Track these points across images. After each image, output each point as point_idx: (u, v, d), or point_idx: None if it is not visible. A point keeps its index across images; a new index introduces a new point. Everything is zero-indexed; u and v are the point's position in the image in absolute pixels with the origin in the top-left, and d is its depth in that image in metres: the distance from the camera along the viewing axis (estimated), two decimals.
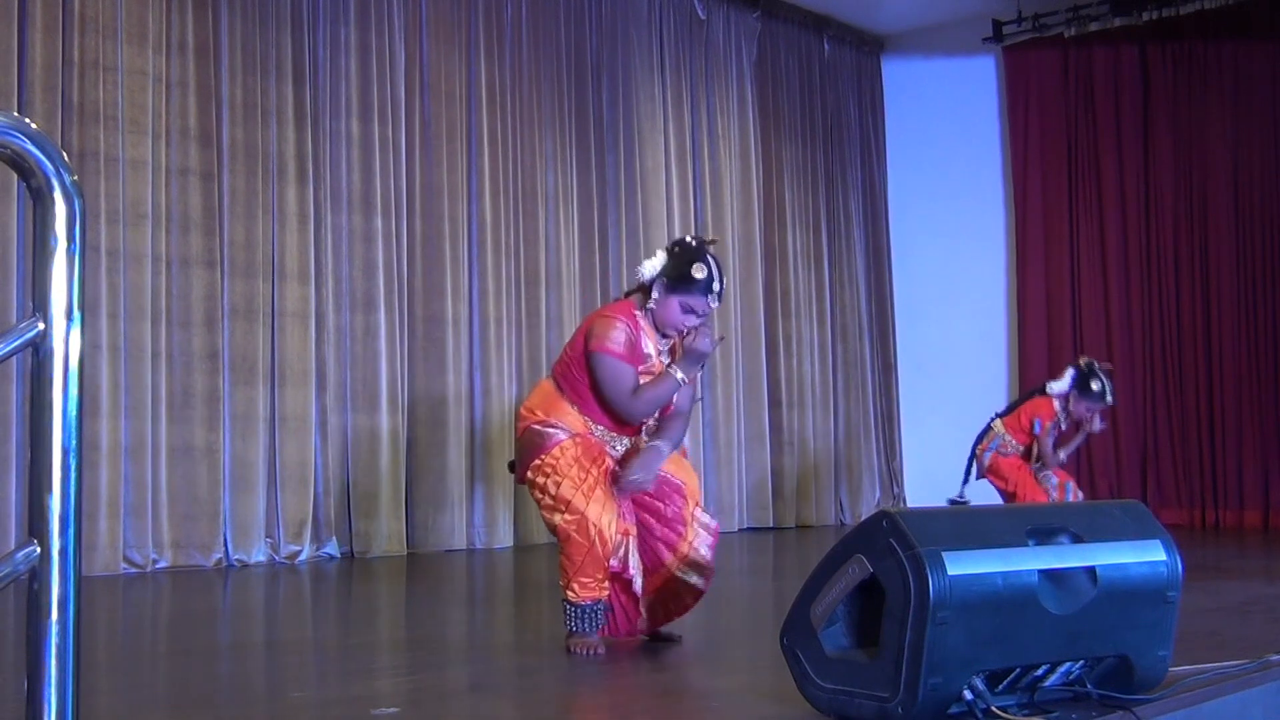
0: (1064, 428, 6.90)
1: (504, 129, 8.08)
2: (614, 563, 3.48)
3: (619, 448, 3.66)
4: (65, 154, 1.48)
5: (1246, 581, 5.54)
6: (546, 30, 8.42)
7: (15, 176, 1.48)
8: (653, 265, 3.61)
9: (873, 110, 11.02)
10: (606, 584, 3.52)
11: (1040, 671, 2.50)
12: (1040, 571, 2.43)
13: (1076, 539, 2.52)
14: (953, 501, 6.91)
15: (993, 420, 7.11)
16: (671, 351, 3.68)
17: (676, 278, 3.54)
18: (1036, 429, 6.77)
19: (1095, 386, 6.76)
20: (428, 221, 7.65)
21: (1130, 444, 9.67)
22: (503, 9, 8.14)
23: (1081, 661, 2.54)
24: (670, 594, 3.66)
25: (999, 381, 10.36)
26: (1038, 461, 6.89)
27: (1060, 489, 6.81)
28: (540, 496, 3.56)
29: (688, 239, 3.68)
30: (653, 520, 3.65)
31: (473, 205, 7.88)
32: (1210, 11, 9.28)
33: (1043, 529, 2.52)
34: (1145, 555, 2.58)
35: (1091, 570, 2.49)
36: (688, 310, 3.55)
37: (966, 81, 10.65)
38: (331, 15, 7.30)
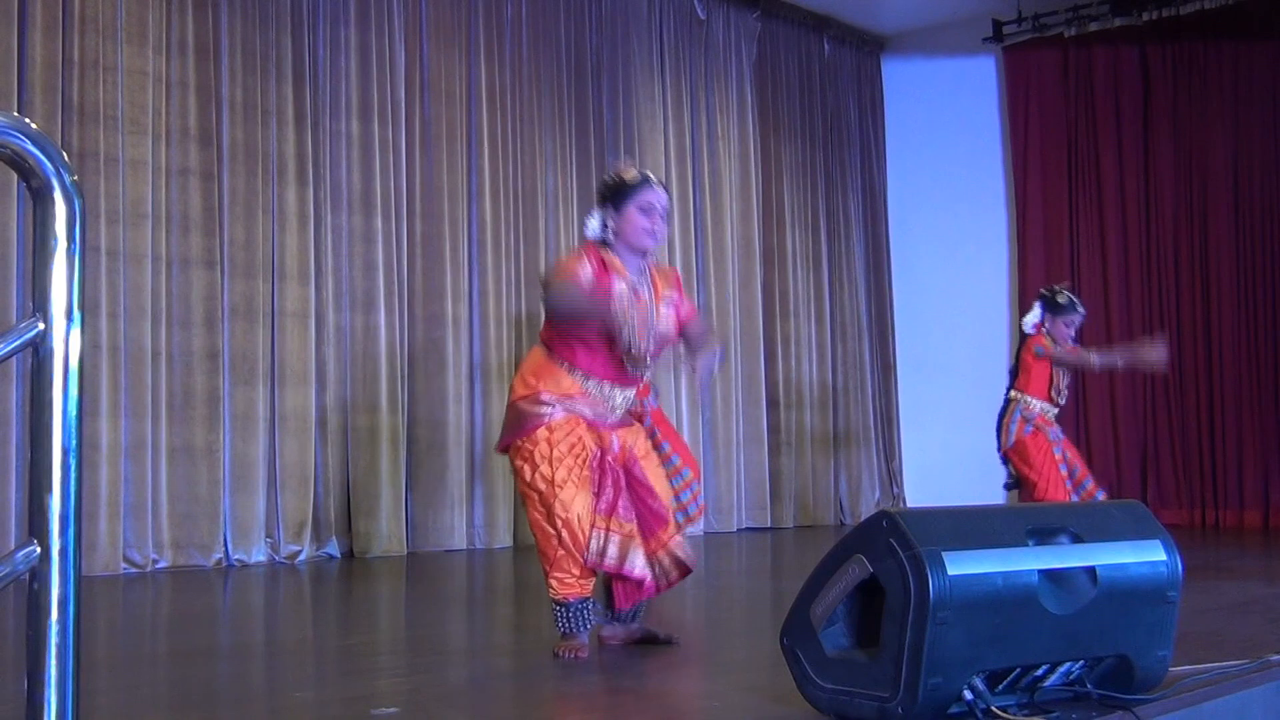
0: (1046, 354, 6.82)
1: (504, 129, 8.08)
2: (609, 562, 3.44)
3: (619, 401, 3.60)
4: (65, 154, 1.48)
5: (1246, 581, 5.54)
6: (546, 30, 8.42)
7: (15, 176, 1.48)
8: (594, 216, 3.63)
9: (873, 110, 11.02)
10: (588, 582, 3.49)
11: (1040, 671, 2.50)
12: (1040, 571, 2.43)
13: (1076, 539, 2.52)
14: (1007, 486, 6.92)
15: (1008, 392, 7.04)
16: (653, 285, 3.62)
17: (617, 192, 3.57)
18: (1041, 352, 6.73)
19: (1062, 300, 6.75)
20: (428, 222, 7.65)
21: (1130, 444, 9.67)
22: (503, 9, 8.15)
23: (1081, 661, 2.54)
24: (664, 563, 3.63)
25: (999, 382, 10.32)
26: (1059, 396, 6.77)
27: (1089, 496, 6.75)
28: (516, 479, 3.57)
29: (604, 175, 3.73)
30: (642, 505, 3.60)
31: (473, 206, 7.88)
32: (1210, 11, 9.28)
33: (1043, 529, 2.52)
34: (1145, 555, 2.58)
35: (1091, 570, 2.49)
36: (645, 209, 3.54)
37: (966, 81, 10.65)
38: (331, 15, 7.30)
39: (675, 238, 9.13)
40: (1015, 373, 7.01)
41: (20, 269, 5.89)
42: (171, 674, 3.61)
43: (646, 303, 3.58)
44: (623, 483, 3.54)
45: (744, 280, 9.64)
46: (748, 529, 9.38)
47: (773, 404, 9.83)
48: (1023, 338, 6.98)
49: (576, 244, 3.85)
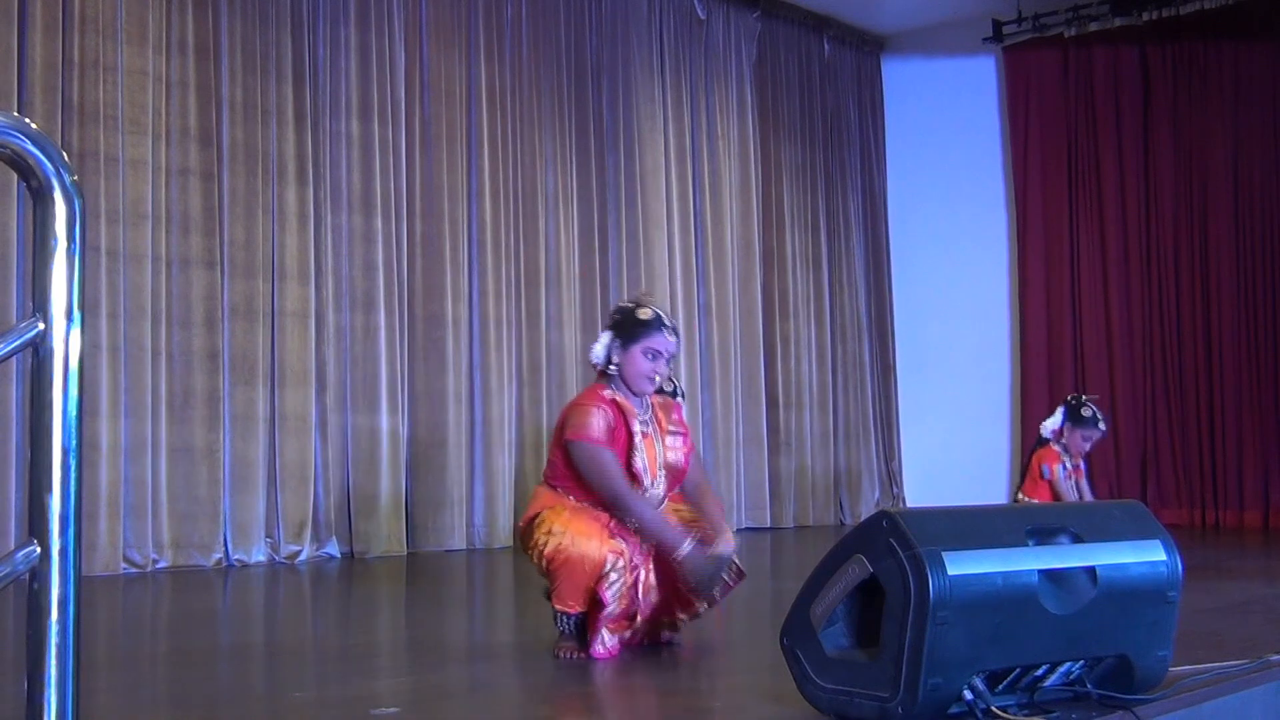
0: (1069, 466, 6.85)
1: (504, 130, 8.08)
2: (606, 596, 3.37)
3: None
4: (65, 154, 1.48)
5: (1246, 581, 5.54)
6: (546, 31, 8.42)
7: (15, 176, 1.48)
8: (601, 341, 3.59)
9: (873, 110, 11.02)
10: (585, 603, 3.46)
11: (1040, 671, 2.50)
12: (1040, 571, 2.42)
13: (1076, 539, 2.52)
14: None
15: (1017, 492, 7.06)
16: (657, 422, 3.59)
17: (628, 331, 3.53)
18: (1046, 474, 6.74)
19: (1086, 413, 6.75)
20: (428, 222, 7.65)
21: (1130, 444, 9.66)
22: (503, 9, 8.15)
23: (1081, 661, 2.53)
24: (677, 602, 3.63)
25: (999, 383, 10.37)
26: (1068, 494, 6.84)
27: None
28: (538, 562, 3.46)
29: (622, 303, 3.69)
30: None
31: (473, 206, 7.88)
32: (1210, 11, 9.28)
33: (1043, 529, 2.52)
34: (1145, 555, 2.58)
35: (1091, 570, 2.48)
36: (650, 354, 3.51)
37: (966, 81, 10.65)
38: (331, 15, 7.30)
39: (675, 238, 9.13)
40: (1024, 474, 7.00)
41: (20, 269, 5.89)
42: (171, 674, 3.61)
43: (653, 438, 3.56)
44: (639, 589, 3.48)
45: (744, 281, 9.64)
46: (747, 529, 9.38)
47: (772, 404, 9.82)
48: (1038, 440, 6.96)
49: (618, 293, 3.83)
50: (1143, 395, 9.67)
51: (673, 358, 3.59)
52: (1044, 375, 10.05)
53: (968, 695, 2.37)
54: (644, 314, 3.54)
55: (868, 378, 10.66)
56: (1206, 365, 9.44)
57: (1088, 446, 6.79)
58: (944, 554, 2.29)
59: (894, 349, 10.97)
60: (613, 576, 3.39)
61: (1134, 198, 9.80)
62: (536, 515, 3.50)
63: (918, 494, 10.60)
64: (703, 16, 9.55)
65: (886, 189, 11.06)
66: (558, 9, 8.50)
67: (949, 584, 2.27)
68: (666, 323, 3.56)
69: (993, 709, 2.39)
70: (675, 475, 3.59)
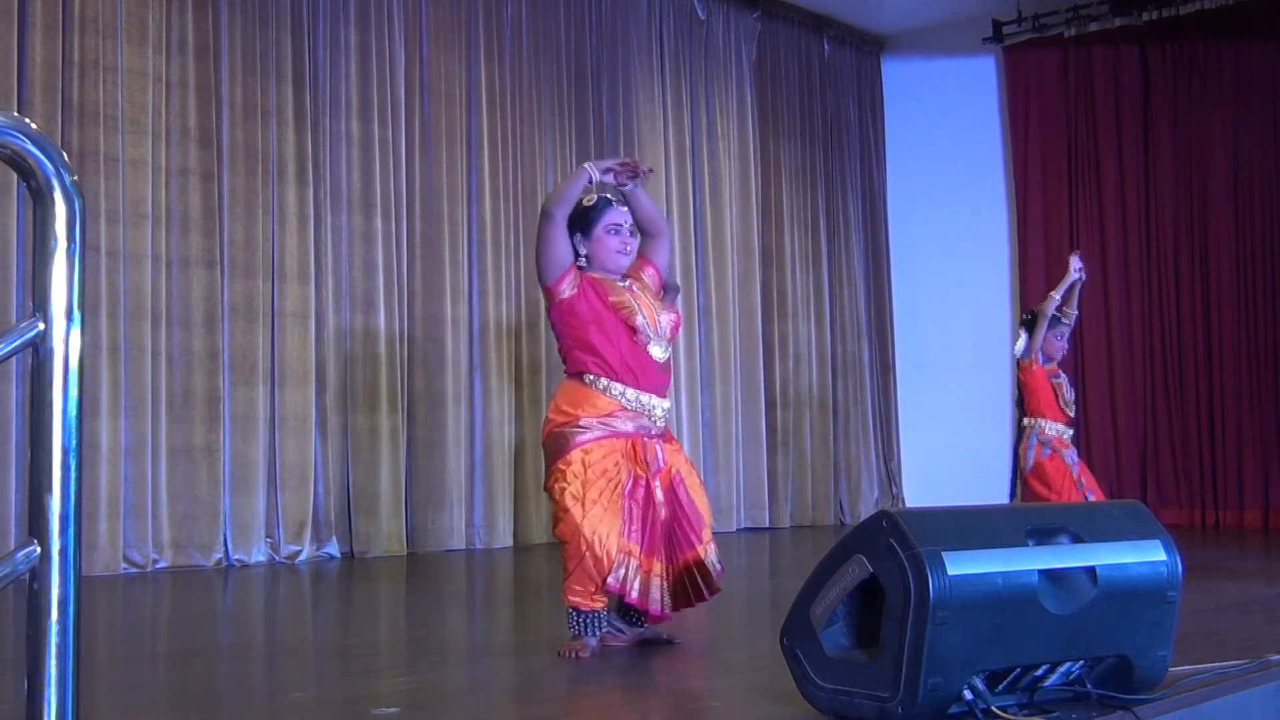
0: (1046, 363, 6.81)
1: (504, 130, 8.08)
2: (632, 595, 3.44)
3: (659, 413, 3.62)
4: (65, 154, 1.48)
5: (1246, 581, 5.54)
6: (546, 31, 8.42)
7: (15, 176, 1.48)
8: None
9: (872, 110, 11.02)
10: (602, 598, 3.50)
11: (1040, 671, 2.50)
12: (1040, 571, 2.43)
13: (1076, 539, 2.52)
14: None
15: (1021, 420, 6.99)
16: (645, 290, 3.71)
17: (584, 223, 3.65)
18: (1043, 361, 6.69)
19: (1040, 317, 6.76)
20: (428, 222, 7.65)
21: (1130, 444, 9.67)
22: (503, 10, 8.15)
23: (1081, 661, 2.54)
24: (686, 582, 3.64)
25: (999, 383, 10.35)
26: (1068, 408, 6.76)
27: None
28: (552, 504, 3.58)
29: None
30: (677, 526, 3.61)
31: (473, 206, 7.88)
32: (1210, 11, 9.28)
33: (1043, 529, 2.52)
34: (1145, 555, 2.58)
35: (1091, 570, 2.48)
36: (612, 229, 3.66)
37: (966, 81, 10.65)
38: (331, 16, 7.30)
39: (675, 238, 9.12)
40: (1021, 401, 6.97)
41: (20, 269, 5.89)
42: (171, 674, 3.61)
43: (644, 297, 3.68)
44: (658, 512, 3.54)
45: (743, 280, 9.64)
46: (746, 529, 9.38)
47: (771, 404, 9.82)
48: (1017, 367, 6.95)
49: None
50: (1143, 395, 9.67)
51: (633, 229, 3.71)
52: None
53: (968, 695, 2.37)
54: (589, 200, 3.67)
55: (867, 377, 10.66)
56: (1206, 365, 9.44)
57: (1064, 343, 6.79)
58: (944, 554, 2.29)
59: (893, 349, 10.97)
60: (622, 572, 3.44)
61: (1134, 198, 9.80)
62: (555, 466, 3.53)
63: (917, 494, 10.60)
64: (703, 16, 9.55)
65: (886, 189, 11.06)
66: (558, 9, 8.50)
67: (949, 584, 2.27)
68: (612, 197, 3.70)
69: (993, 709, 2.39)
70: (674, 327, 3.71)
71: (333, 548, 7.04)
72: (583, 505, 3.45)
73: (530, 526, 7.90)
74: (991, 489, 9.65)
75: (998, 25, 10.18)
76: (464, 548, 7.55)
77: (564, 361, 3.72)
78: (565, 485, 3.49)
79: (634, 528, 3.49)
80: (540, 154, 8.29)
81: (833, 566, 2.47)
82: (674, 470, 3.62)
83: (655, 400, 3.63)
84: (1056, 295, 6.69)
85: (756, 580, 6.58)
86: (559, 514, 3.52)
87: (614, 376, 3.58)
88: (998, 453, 10.16)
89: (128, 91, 6.41)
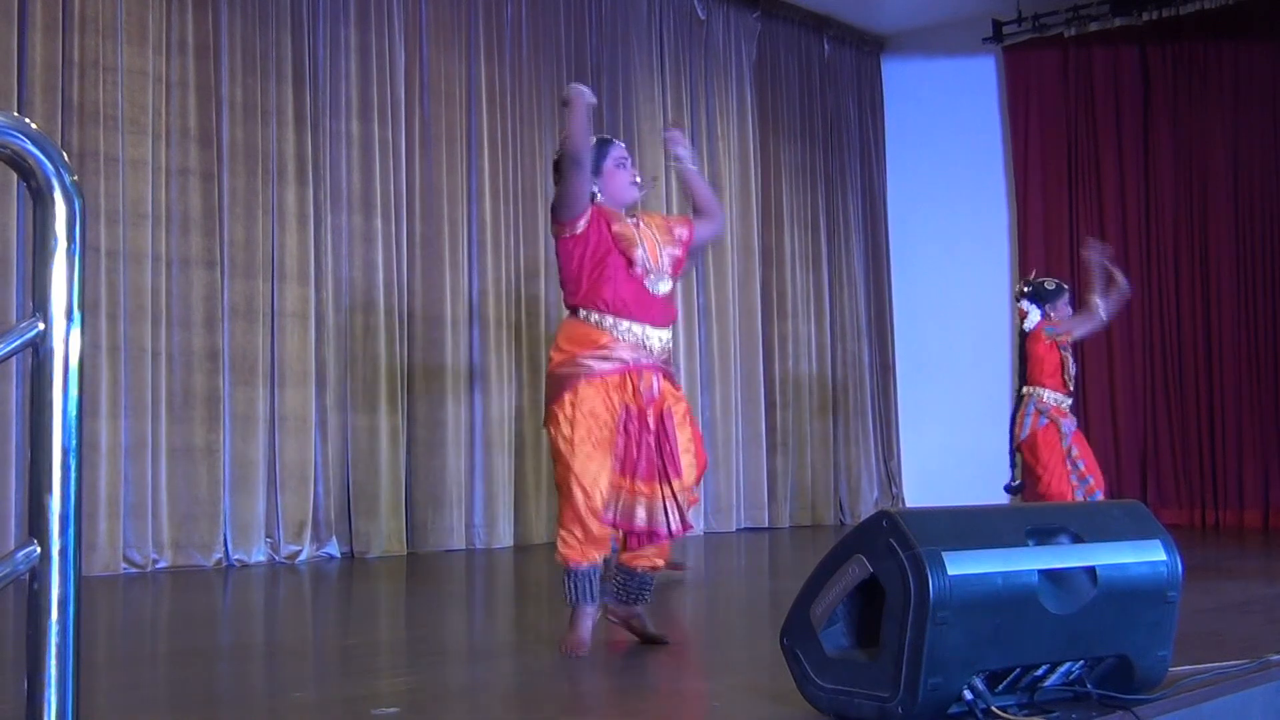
0: (1060, 333, 6.76)
1: (504, 130, 8.08)
2: (639, 524, 3.48)
3: (658, 344, 3.66)
4: (65, 154, 1.48)
5: (1246, 581, 5.54)
6: (546, 31, 8.42)
7: (15, 176, 1.48)
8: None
9: (872, 110, 11.02)
10: (594, 551, 3.52)
11: (1040, 671, 2.50)
12: (1040, 571, 2.43)
13: (1076, 539, 2.52)
14: (1010, 489, 6.85)
15: (1021, 389, 6.92)
16: (652, 225, 3.80)
17: (591, 163, 3.72)
18: (1051, 332, 6.64)
19: (1050, 285, 6.73)
20: (428, 222, 7.65)
21: (1130, 444, 9.66)
22: (503, 9, 8.15)
23: (1081, 661, 2.54)
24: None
25: (998, 383, 10.34)
26: (1071, 381, 6.72)
27: (1089, 494, 6.69)
28: (550, 443, 3.66)
29: (555, 154, 3.85)
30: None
31: (473, 206, 7.88)
32: (1210, 11, 9.28)
33: (1043, 529, 2.52)
34: (1145, 555, 2.58)
35: (1091, 570, 2.48)
36: (620, 163, 3.78)
37: (966, 81, 10.65)
38: (331, 16, 7.30)
39: None
40: (1023, 371, 6.93)
41: (20, 269, 5.89)
42: (171, 674, 3.61)
43: (649, 232, 3.75)
44: (650, 440, 3.58)
45: (743, 280, 9.64)
46: (746, 529, 9.38)
47: (771, 404, 9.82)
48: (1023, 337, 6.90)
49: None
50: (1143, 395, 9.67)
51: (635, 160, 3.89)
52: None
53: (968, 695, 2.37)
54: (591, 140, 3.76)
55: (867, 377, 10.66)
56: (1206, 365, 9.44)
57: (1071, 310, 6.80)
58: (944, 554, 2.29)
59: (893, 349, 10.97)
60: (623, 505, 3.50)
61: (1134, 198, 9.80)
62: (552, 408, 3.62)
63: (917, 494, 10.59)
64: (703, 16, 9.55)
65: (886, 189, 11.06)
66: (558, 9, 8.50)
67: (949, 584, 2.27)
68: (609, 136, 3.89)
69: (993, 709, 2.39)
70: (676, 264, 3.78)
71: (333, 548, 7.04)
72: (572, 446, 3.51)
73: (530, 526, 7.90)
74: (992, 489, 9.64)
75: (998, 25, 10.18)
76: (464, 548, 7.55)
77: (562, 289, 3.79)
78: (556, 429, 3.58)
79: (629, 460, 3.53)
80: (540, 154, 8.28)
81: (833, 566, 2.47)
82: (666, 406, 3.64)
83: (651, 330, 3.67)
84: (1099, 300, 6.68)
85: (756, 580, 6.58)
86: (554, 455, 3.61)
87: (608, 309, 3.63)
88: (998, 453, 10.14)
89: (128, 91, 6.41)
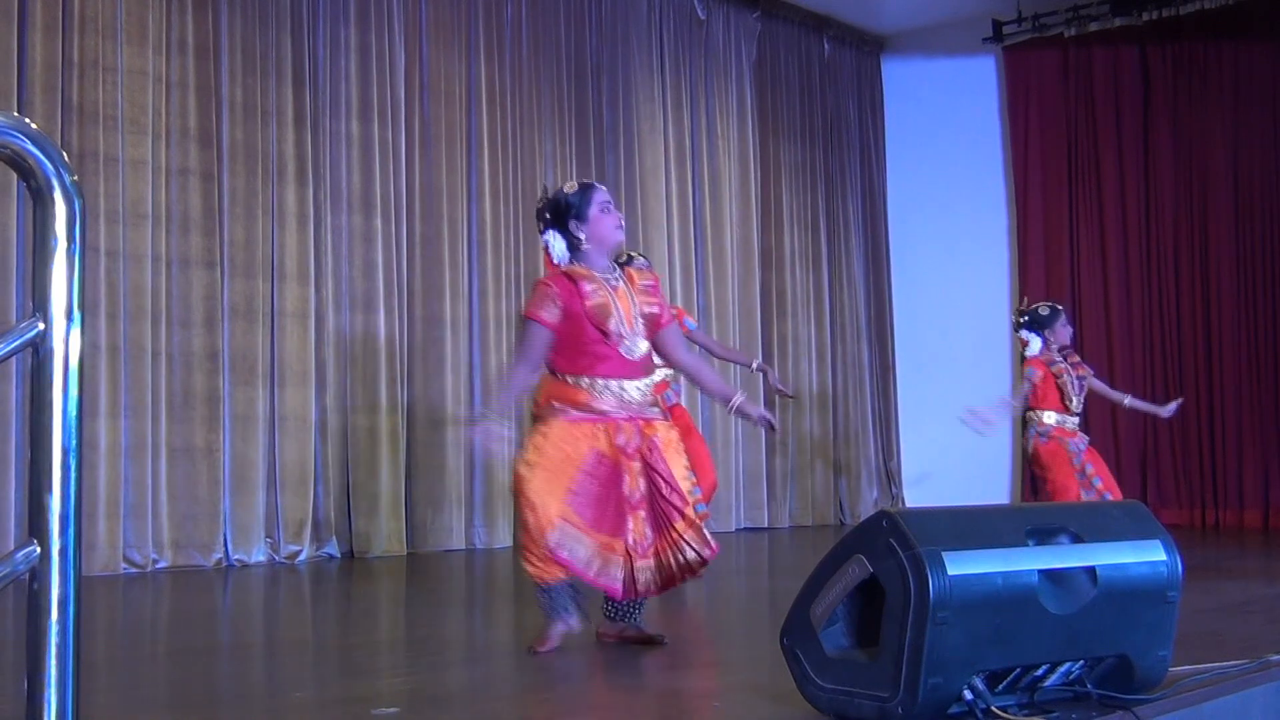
0: (1063, 362, 6.76)
1: (504, 130, 8.08)
2: (590, 573, 3.46)
3: (638, 395, 3.66)
4: (65, 154, 1.48)
5: (1246, 581, 5.54)
6: (546, 31, 8.42)
7: (15, 176, 1.48)
8: (554, 239, 3.79)
9: (872, 110, 11.02)
10: (556, 570, 3.50)
11: (1040, 671, 2.49)
12: (1040, 571, 2.42)
13: (1076, 539, 2.52)
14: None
15: (1025, 414, 6.92)
16: (629, 280, 3.76)
17: (575, 208, 3.73)
18: (1033, 375, 6.65)
19: (1045, 311, 6.73)
20: (427, 222, 7.65)
21: (1130, 444, 9.66)
22: (503, 10, 8.14)
23: (1081, 661, 2.53)
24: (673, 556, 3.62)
25: (998, 383, 10.33)
26: (1072, 404, 6.72)
27: (1098, 495, 6.69)
28: (513, 474, 3.64)
29: (540, 202, 3.90)
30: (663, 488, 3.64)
31: (473, 206, 7.88)
32: (1210, 11, 9.28)
33: (1043, 529, 2.52)
34: (1145, 555, 2.57)
35: (1091, 570, 2.48)
36: (604, 207, 3.74)
37: (966, 81, 10.65)
38: (331, 16, 7.30)
39: (675, 238, 9.13)
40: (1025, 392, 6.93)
41: (20, 269, 5.89)
42: (171, 674, 3.61)
43: (625, 292, 3.71)
44: (628, 494, 3.55)
45: (743, 280, 9.64)
46: (746, 529, 9.38)
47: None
48: (1024, 362, 6.91)
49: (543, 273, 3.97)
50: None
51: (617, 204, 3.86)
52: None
53: (968, 695, 2.37)
54: (570, 188, 3.78)
55: (867, 377, 10.66)
56: (1206, 365, 9.44)
57: (1071, 329, 6.82)
58: (944, 554, 2.29)
59: (893, 349, 10.97)
60: (580, 552, 3.46)
61: (1134, 198, 9.80)
62: (541, 416, 3.66)
63: (917, 494, 10.59)
64: (703, 17, 9.55)
65: (886, 189, 11.06)
66: (558, 9, 8.50)
67: (949, 584, 2.27)
68: (586, 181, 3.86)
69: (993, 709, 2.39)
70: (652, 323, 3.74)
71: (333, 548, 7.04)
72: (532, 469, 3.52)
73: None
74: (992, 489, 9.64)
75: (998, 25, 10.18)
76: (464, 548, 7.55)
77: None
78: (522, 454, 3.59)
79: (589, 505, 3.51)
80: (540, 154, 8.29)
81: (833, 566, 2.47)
82: (650, 439, 3.63)
83: (629, 384, 3.66)
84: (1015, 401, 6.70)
85: (756, 580, 6.58)
86: (514, 486, 3.59)
87: (582, 373, 3.64)
88: (998, 453, 10.18)
89: (128, 91, 6.41)
